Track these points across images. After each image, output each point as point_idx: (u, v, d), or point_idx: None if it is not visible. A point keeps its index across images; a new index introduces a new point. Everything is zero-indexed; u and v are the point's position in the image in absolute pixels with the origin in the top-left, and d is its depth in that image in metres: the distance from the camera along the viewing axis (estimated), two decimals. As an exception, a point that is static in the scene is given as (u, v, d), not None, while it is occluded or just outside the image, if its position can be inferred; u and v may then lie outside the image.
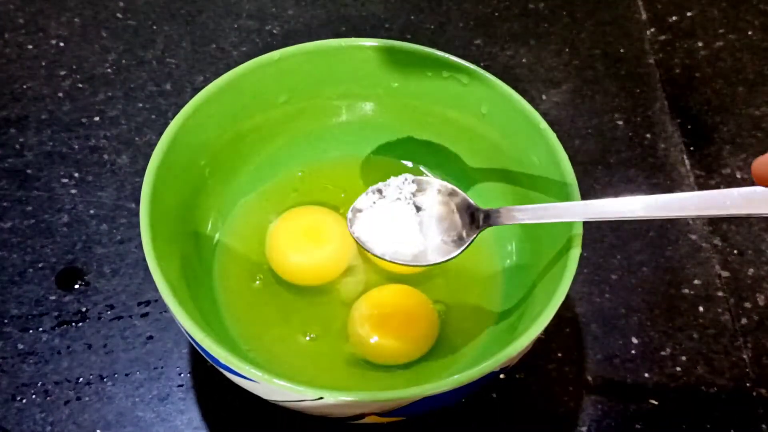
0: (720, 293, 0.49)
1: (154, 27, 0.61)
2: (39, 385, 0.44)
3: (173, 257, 0.40)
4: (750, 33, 0.64)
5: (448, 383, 0.34)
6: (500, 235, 0.46)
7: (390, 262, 0.39)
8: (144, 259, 0.37)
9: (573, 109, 0.58)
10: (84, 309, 0.46)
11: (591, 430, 0.44)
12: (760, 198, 0.33)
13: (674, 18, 0.64)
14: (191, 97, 0.42)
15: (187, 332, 0.36)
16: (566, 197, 0.40)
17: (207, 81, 0.46)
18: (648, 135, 0.57)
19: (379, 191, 0.40)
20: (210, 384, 0.44)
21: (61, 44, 0.59)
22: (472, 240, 0.40)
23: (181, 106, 0.42)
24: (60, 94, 0.56)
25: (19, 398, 0.43)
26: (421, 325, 0.42)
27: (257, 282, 0.44)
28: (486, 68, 0.44)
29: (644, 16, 0.64)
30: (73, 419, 0.43)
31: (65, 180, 0.52)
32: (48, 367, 0.44)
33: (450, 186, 0.41)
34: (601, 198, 0.37)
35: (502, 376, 0.45)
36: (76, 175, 0.52)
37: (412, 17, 0.63)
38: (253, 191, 0.48)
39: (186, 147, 0.42)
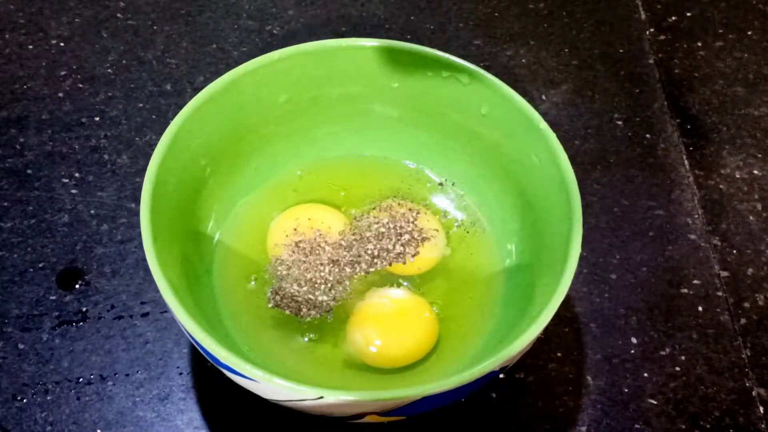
0: (719, 293, 0.49)
1: (155, 27, 0.61)
2: (39, 384, 0.44)
3: (173, 257, 0.40)
4: (750, 33, 0.64)
5: (448, 383, 0.34)
6: (500, 235, 0.46)
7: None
8: (144, 259, 0.37)
9: (573, 109, 0.58)
10: (84, 309, 0.46)
11: (591, 430, 0.44)
12: None
13: (674, 18, 0.64)
14: (191, 97, 0.42)
15: (187, 332, 0.36)
16: (566, 197, 0.40)
17: (207, 81, 0.46)
18: (648, 135, 0.57)
19: None
20: (210, 384, 0.44)
21: (62, 44, 0.59)
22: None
23: (182, 106, 0.42)
24: (60, 94, 0.56)
25: (19, 398, 0.43)
26: (420, 334, 0.42)
27: (257, 282, 0.44)
28: (486, 68, 0.44)
29: (644, 16, 0.64)
30: (73, 419, 0.43)
31: (66, 180, 0.52)
32: (48, 367, 0.44)
33: None
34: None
35: (501, 375, 0.45)
36: (77, 175, 0.52)
37: (412, 17, 0.63)
38: (253, 191, 0.48)
39: (186, 147, 0.42)
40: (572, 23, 0.63)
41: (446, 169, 0.49)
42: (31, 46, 0.59)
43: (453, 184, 0.48)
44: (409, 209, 0.46)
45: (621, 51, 0.62)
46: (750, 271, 0.50)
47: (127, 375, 0.44)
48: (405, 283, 0.44)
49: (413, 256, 0.44)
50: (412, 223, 0.45)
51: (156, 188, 0.39)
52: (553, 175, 0.41)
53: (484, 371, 0.34)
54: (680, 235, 0.51)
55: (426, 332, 0.42)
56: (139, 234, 0.37)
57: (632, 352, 0.46)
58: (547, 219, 0.42)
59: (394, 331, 0.42)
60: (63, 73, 0.57)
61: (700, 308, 0.48)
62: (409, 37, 0.61)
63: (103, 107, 0.56)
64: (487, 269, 0.45)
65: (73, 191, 0.51)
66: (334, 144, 0.49)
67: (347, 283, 0.43)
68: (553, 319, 0.36)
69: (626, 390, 0.45)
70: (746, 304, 0.49)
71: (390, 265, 0.44)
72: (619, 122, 0.57)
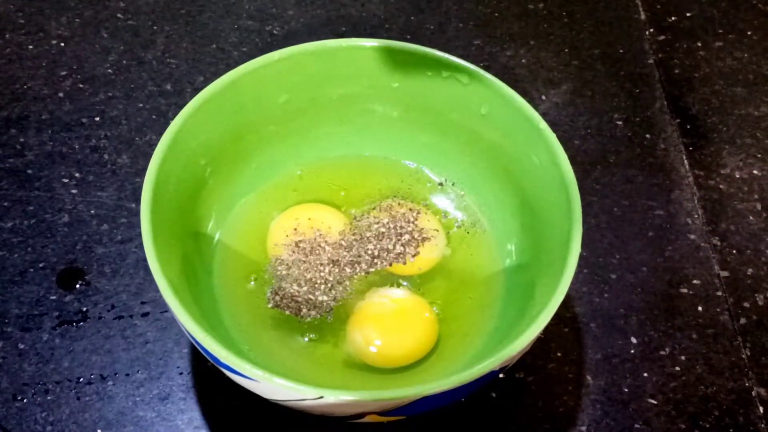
0: (719, 293, 0.49)
1: (155, 27, 0.61)
2: (40, 384, 0.44)
3: (174, 257, 0.40)
4: (750, 33, 0.64)
5: (448, 383, 0.34)
6: (500, 235, 0.46)
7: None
8: (144, 259, 0.37)
9: (573, 109, 0.58)
10: (84, 309, 0.46)
11: (591, 430, 0.44)
12: None
13: (674, 18, 0.64)
14: (191, 97, 0.42)
15: (188, 332, 0.36)
16: (566, 197, 0.40)
17: (207, 81, 0.46)
18: (647, 135, 0.57)
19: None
20: (210, 384, 0.44)
21: (62, 44, 0.59)
22: None
23: (182, 107, 0.42)
24: (60, 94, 0.56)
25: (19, 398, 0.43)
26: (420, 333, 0.42)
27: (256, 282, 0.44)
28: (486, 68, 0.44)
29: (644, 16, 0.64)
30: (73, 419, 0.43)
31: (66, 180, 0.52)
32: (49, 367, 0.44)
33: None
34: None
35: (501, 375, 0.45)
36: (77, 175, 0.52)
37: (412, 17, 0.63)
38: (253, 191, 0.48)
39: (186, 147, 0.42)
40: (572, 23, 0.63)
41: (446, 169, 0.49)
42: (31, 46, 0.59)
43: (453, 184, 0.48)
44: (410, 209, 0.46)
45: (621, 51, 0.62)
46: (750, 271, 0.50)
47: (128, 375, 0.44)
48: (405, 283, 0.44)
49: (413, 256, 0.44)
50: (413, 223, 0.45)
51: (156, 188, 0.39)
52: (553, 175, 0.41)
53: (484, 371, 0.34)
54: (680, 235, 0.51)
55: (426, 332, 0.42)
56: (139, 234, 0.37)
57: (632, 352, 0.46)
58: (547, 219, 0.42)
59: (394, 331, 0.42)
60: (63, 73, 0.58)
61: (699, 308, 0.48)
62: (409, 37, 0.61)
63: (103, 107, 0.56)
64: (487, 269, 0.45)
65: (74, 191, 0.51)
66: (334, 144, 0.49)
67: (347, 283, 0.43)
68: (553, 319, 0.36)
69: (626, 390, 0.45)
70: (746, 304, 0.49)
71: (390, 265, 0.44)
72: (619, 122, 0.57)
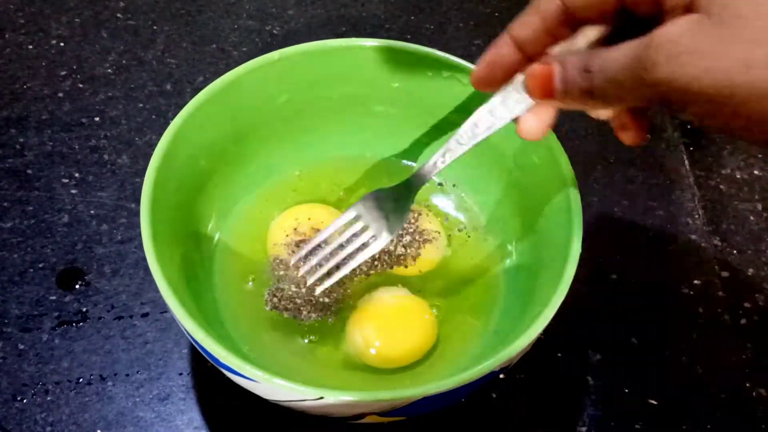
0: (720, 293, 0.49)
1: (155, 27, 0.61)
2: (39, 385, 0.44)
3: (174, 257, 0.40)
4: (750, 33, 0.64)
5: (448, 383, 0.34)
6: (500, 235, 0.46)
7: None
8: (144, 259, 0.37)
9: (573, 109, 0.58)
10: (84, 309, 0.46)
11: (591, 430, 0.44)
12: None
13: (674, 18, 0.64)
14: (191, 97, 0.42)
15: (187, 332, 0.36)
16: (566, 197, 0.40)
17: (207, 81, 0.46)
18: (648, 135, 0.57)
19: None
20: (210, 384, 0.44)
21: (62, 44, 0.59)
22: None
23: (182, 106, 0.42)
24: (60, 94, 0.56)
25: (19, 398, 0.43)
26: (419, 333, 0.42)
27: (256, 282, 0.44)
28: (486, 68, 0.44)
29: (644, 16, 0.64)
30: (73, 419, 0.43)
31: (65, 180, 0.52)
32: (48, 367, 0.44)
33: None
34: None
35: (502, 376, 0.45)
36: (77, 175, 0.52)
37: (412, 17, 0.63)
38: (253, 191, 0.48)
39: (186, 147, 0.42)
40: (572, 23, 0.63)
41: (446, 169, 0.48)
42: (31, 46, 0.59)
43: (453, 185, 0.48)
44: (411, 210, 0.45)
45: (621, 51, 0.62)
46: (750, 271, 0.50)
47: (127, 375, 0.44)
48: (405, 284, 0.44)
49: (414, 258, 0.44)
50: (414, 224, 0.45)
51: (156, 188, 0.39)
52: (553, 175, 0.41)
53: (484, 371, 0.34)
54: (680, 235, 0.51)
55: (425, 333, 0.42)
56: (139, 234, 0.37)
57: (633, 352, 0.46)
58: (547, 219, 0.42)
59: (393, 332, 0.42)
60: (63, 73, 0.57)
61: (700, 308, 0.48)
62: (409, 37, 0.61)
63: (103, 107, 0.56)
64: (488, 269, 0.45)
65: (73, 191, 0.51)
66: (334, 144, 0.49)
67: (347, 284, 0.43)
68: (553, 320, 0.36)
69: (626, 390, 0.45)
70: (746, 305, 0.49)
71: (391, 267, 0.43)
72: (620, 122, 0.57)
